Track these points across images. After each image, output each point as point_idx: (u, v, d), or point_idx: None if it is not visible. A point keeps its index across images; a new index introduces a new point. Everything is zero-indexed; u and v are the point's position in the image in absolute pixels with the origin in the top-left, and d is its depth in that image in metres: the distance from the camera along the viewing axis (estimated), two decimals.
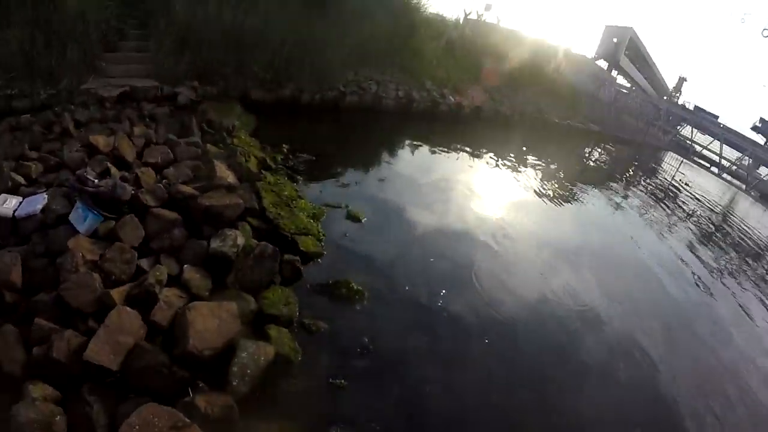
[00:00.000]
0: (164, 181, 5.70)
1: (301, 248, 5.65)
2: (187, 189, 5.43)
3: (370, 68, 14.09)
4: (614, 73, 52.06)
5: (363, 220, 7.15)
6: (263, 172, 6.97)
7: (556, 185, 15.55)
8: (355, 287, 5.43)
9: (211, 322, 3.86)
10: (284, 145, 8.34)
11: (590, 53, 42.82)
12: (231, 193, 5.61)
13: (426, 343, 5.24)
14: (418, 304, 5.85)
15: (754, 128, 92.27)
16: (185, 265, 4.48)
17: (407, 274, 6.38)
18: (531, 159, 17.35)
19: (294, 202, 6.57)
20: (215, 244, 4.74)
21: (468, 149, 14.13)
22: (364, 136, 11.97)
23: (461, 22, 24.45)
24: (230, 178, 6.11)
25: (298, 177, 7.61)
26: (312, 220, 6.36)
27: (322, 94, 11.86)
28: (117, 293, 3.91)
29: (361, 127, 12.34)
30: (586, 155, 29.54)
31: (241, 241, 4.91)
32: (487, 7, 31.62)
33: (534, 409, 4.85)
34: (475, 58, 20.85)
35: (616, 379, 5.66)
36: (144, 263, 4.38)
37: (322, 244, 6.03)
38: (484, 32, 23.93)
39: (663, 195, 28.30)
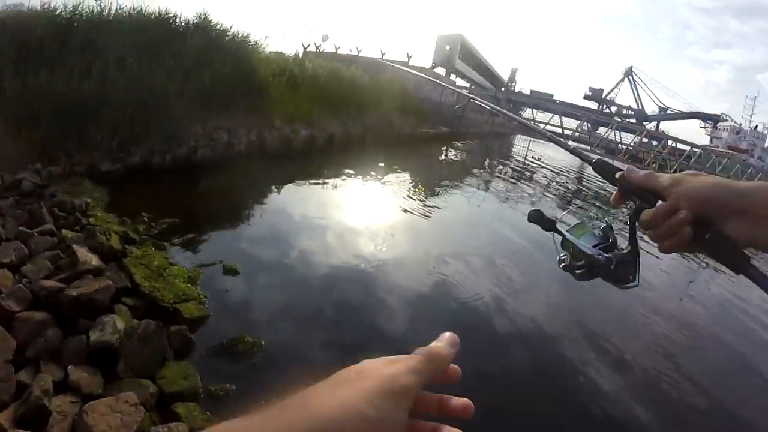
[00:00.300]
0: (24, 280, 5.42)
1: (186, 316, 5.57)
2: (51, 283, 5.21)
3: (218, 117, 13.92)
4: (453, 76, 54.78)
5: (240, 271, 7.20)
6: (127, 247, 6.83)
7: (423, 192, 16.31)
8: (251, 339, 5.45)
9: (113, 419, 3.74)
10: (144, 214, 8.16)
11: (427, 63, 44.69)
12: (99, 277, 5.49)
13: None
14: (315, 338, 6.07)
15: (586, 97, 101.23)
16: (69, 367, 4.26)
17: (296, 313, 6.58)
18: (393, 173, 18.07)
19: (166, 270, 6.47)
20: (95, 335, 4.58)
21: (329, 178, 14.51)
22: (224, 188, 11.92)
23: (300, 55, 24.87)
24: (94, 261, 5.95)
25: (165, 243, 7.50)
26: (189, 284, 6.28)
27: (173, 154, 11.59)
28: (3, 418, 3.67)
29: (219, 179, 12.25)
30: (444, 156, 31.09)
31: (121, 325, 4.78)
32: (324, 38, 32.53)
33: None
34: (320, 88, 21.29)
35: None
36: (23, 376, 4.11)
37: (206, 305, 5.98)
38: (324, 63, 24.44)
39: (521, 174, 30.44)
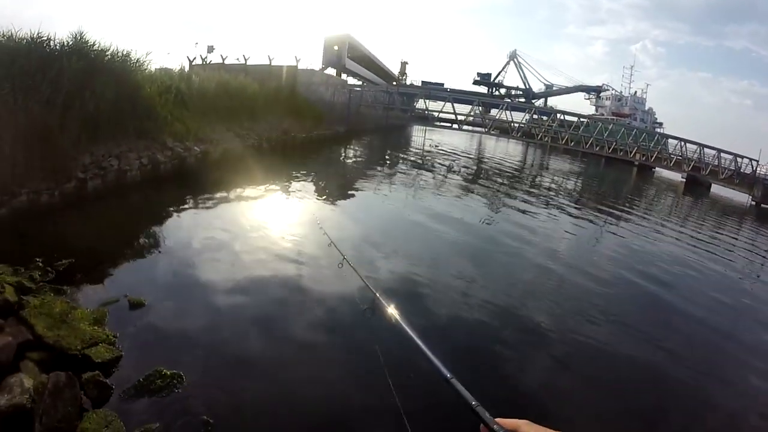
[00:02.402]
0: None
1: (96, 360, 5.43)
2: None
3: (106, 143, 13.37)
4: (344, 76, 54.98)
5: (146, 303, 7.08)
6: (24, 297, 6.54)
7: (328, 193, 16.38)
8: (168, 372, 5.39)
9: None
10: (38, 259, 7.81)
11: (318, 65, 44.65)
12: None
13: (259, 392, 5.55)
14: (232, 359, 6.10)
15: (475, 82, 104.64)
16: None
17: (209, 337, 6.57)
18: (293, 179, 18.05)
19: (69, 315, 6.25)
20: (3, 399, 4.35)
21: (228, 193, 14.33)
22: (120, 218, 11.54)
23: (187, 70, 24.24)
24: None
25: (65, 287, 7.23)
26: (96, 326, 6.12)
27: (61, 189, 11.06)
28: None
29: (113, 210, 11.86)
30: (343, 156, 31.27)
31: (29, 383, 4.59)
32: (210, 49, 31.79)
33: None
34: (210, 101, 20.88)
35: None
36: None
37: (117, 345, 5.84)
38: (212, 75, 23.94)
39: (421, 162, 31.13)
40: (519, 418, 1.08)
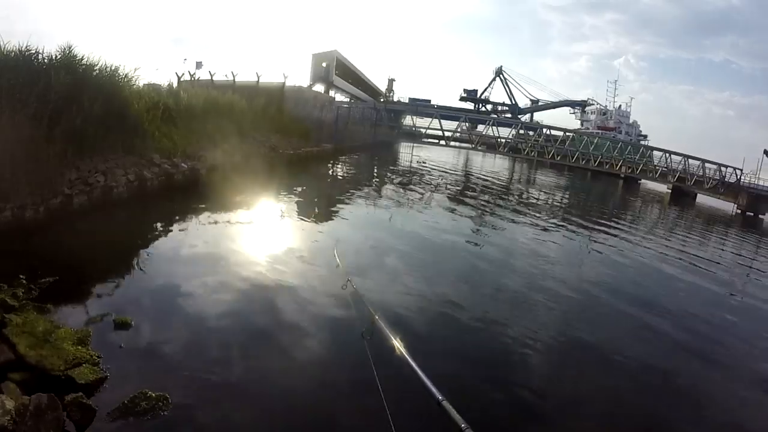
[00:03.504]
0: None
1: (80, 381, 5.26)
2: None
3: (92, 159, 13.20)
4: (332, 92, 55.18)
5: (132, 323, 6.95)
6: (6, 315, 6.39)
7: (315, 212, 16.32)
8: (153, 395, 5.25)
9: None
10: (21, 276, 7.64)
11: (305, 82, 44.81)
12: None
13: (247, 417, 5.43)
14: (220, 378, 6.00)
15: (462, 99, 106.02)
16: None
17: (197, 357, 6.47)
18: (281, 196, 17.97)
19: (53, 334, 6.09)
20: None
21: (216, 211, 14.25)
22: (106, 236, 11.31)
23: (174, 86, 24.20)
24: None
25: (49, 305, 7.06)
26: (80, 346, 5.95)
27: (47, 205, 10.89)
28: None
29: (99, 227, 11.65)
30: (330, 173, 31.26)
31: (10, 404, 4.43)
32: (198, 65, 31.82)
33: None
34: (198, 118, 20.81)
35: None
36: None
37: (101, 366, 5.67)
38: (200, 92, 23.88)
39: (408, 179, 31.22)
40: None
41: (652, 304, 11.53)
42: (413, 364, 1.46)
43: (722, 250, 21.36)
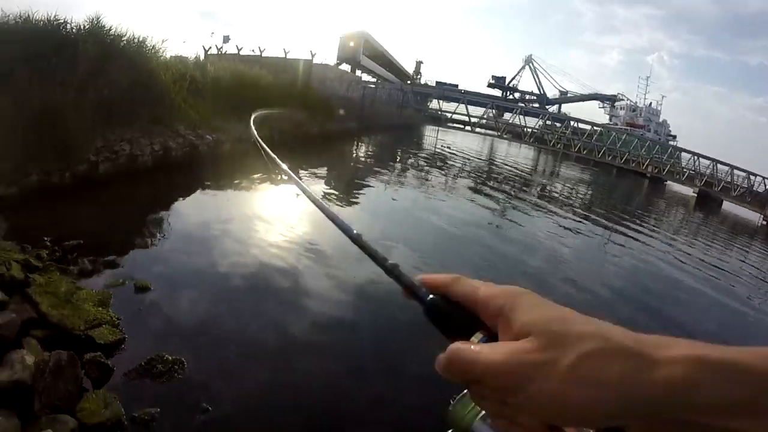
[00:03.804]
0: None
1: (99, 341, 5.41)
2: None
3: (118, 128, 13.35)
4: (359, 72, 55.05)
5: (152, 287, 7.07)
6: (30, 275, 6.54)
7: (339, 190, 16.37)
8: (171, 358, 5.36)
9: None
10: (46, 238, 7.83)
11: (333, 60, 44.74)
12: (2, 311, 5.26)
13: (262, 383, 5.54)
14: (235, 347, 6.10)
15: (490, 85, 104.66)
16: None
17: (214, 324, 6.57)
18: (304, 172, 18.03)
19: (74, 295, 6.25)
20: (4, 374, 4.33)
21: (239, 183, 14.34)
22: (129, 202, 11.58)
23: (201, 59, 24.29)
24: None
25: (71, 267, 7.24)
26: (101, 308, 6.10)
27: (72, 171, 11.10)
28: None
29: (123, 194, 11.91)
30: (353, 152, 31.29)
31: (31, 359, 4.57)
32: (226, 39, 31.95)
33: None
34: (224, 91, 20.89)
35: None
36: None
37: (120, 328, 5.81)
38: (226, 65, 23.96)
39: (432, 162, 31.07)
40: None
41: (662, 314, 11.12)
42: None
43: (743, 262, 20.62)
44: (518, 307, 0.55)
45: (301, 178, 1.19)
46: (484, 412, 0.60)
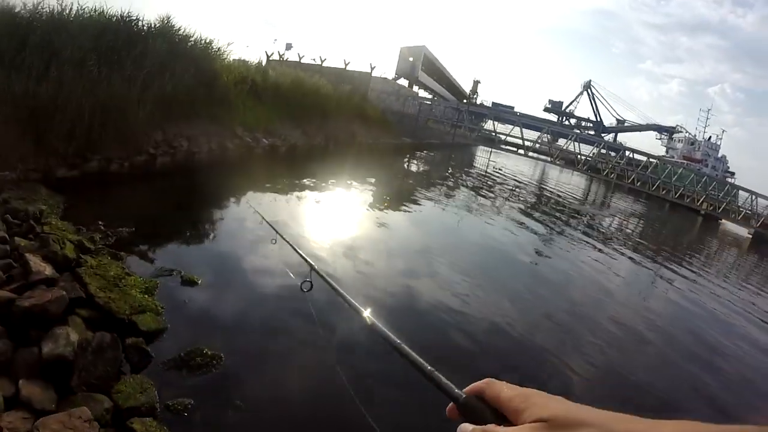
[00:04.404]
0: None
1: (142, 328, 5.43)
2: (2, 293, 5.04)
3: (178, 124, 13.72)
4: (415, 88, 55.25)
5: (199, 282, 7.10)
6: (82, 256, 6.68)
7: (387, 202, 16.33)
8: (209, 352, 5.36)
9: None
10: (100, 222, 7.99)
11: (390, 74, 45.04)
12: (52, 288, 5.35)
13: (296, 389, 5.48)
14: (274, 351, 6.05)
15: (546, 109, 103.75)
16: (20, 381, 4.05)
17: (256, 326, 6.54)
18: (356, 183, 18.11)
19: (123, 280, 6.33)
20: (47, 347, 4.36)
21: (291, 188, 14.46)
22: (184, 196, 11.78)
23: (263, 64, 24.74)
24: (47, 270, 5.80)
25: (122, 253, 7.34)
26: (146, 295, 6.15)
27: (131, 161, 11.39)
28: None
29: (178, 188, 12.14)
30: (405, 167, 31.31)
31: (74, 337, 4.60)
32: (288, 47, 32.60)
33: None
34: (283, 97, 21.20)
35: None
36: None
37: (163, 317, 5.84)
38: (287, 71, 24.35)
39: (482, 183, 30.82)
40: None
41: (710, 361, 10.09)
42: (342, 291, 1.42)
43: None
44: (532, 404, 0.73)
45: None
46: None
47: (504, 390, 0.80)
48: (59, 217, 8.08)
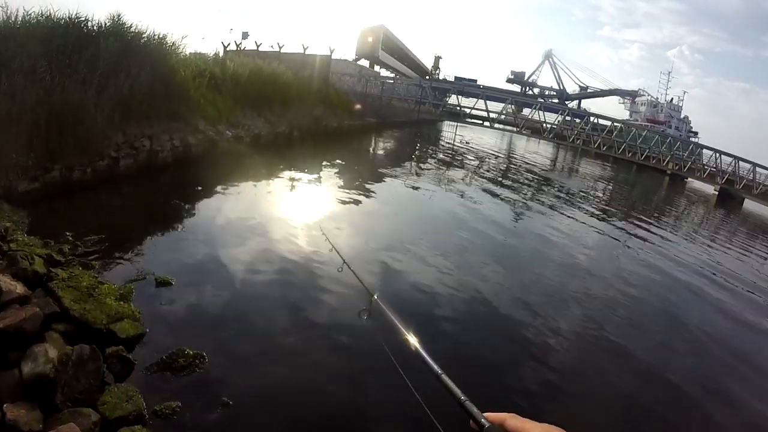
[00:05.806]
0: None
1: (121, 335, 5.43)
2: None
3: (138, 124, 13.41)
4: (377, 68, 55.03)
5: (174, 282, 7.13)
6: (52, 269, 6.61)
7: (357, 185, 16.39)
8: (191, 352, 5.42)
9: None
10: (68, 233, 7.90)
11: (351, 56, 44.76)
12: (25, 306, 5.30)
13: (281, 378, 5.57)
14: (256, 343, 6.15)
15: (509, 80, 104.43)
16: (5, 405, 4.01)
17: (235, 319, 6.59)
18: (323, 168, 18.14)
19: (96, 290, 6.28)
20: (27, 367, 4.35)
21: (258, 179, 14.42)
22: (150, 198, 11.71)
23: (221, 55, 24.41)
24: (19, 288, 5.71)
25: (93, 262, 7.31)
26: (122, 302, 6.12)
27: (94, 167, 11.16)
28: None
29: (144, 189, 12.05)
30: (372, 147, 31.34)
31: (53, 353, 4.58)
32: (245, 35, 32.15)
33: None
34: (243, 87, 20.98)
35: None
36: None
37: (141, 322, 5.85)
38: (245, 61, 24.05)
39: (451, 158, 31.01)
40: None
41: (677, 320, 10.57)
42: (411, 338, 1.51)
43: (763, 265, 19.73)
44: None
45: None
46: None
47: (527, 425, 0.93)
48: (25, 232, 7.89)
